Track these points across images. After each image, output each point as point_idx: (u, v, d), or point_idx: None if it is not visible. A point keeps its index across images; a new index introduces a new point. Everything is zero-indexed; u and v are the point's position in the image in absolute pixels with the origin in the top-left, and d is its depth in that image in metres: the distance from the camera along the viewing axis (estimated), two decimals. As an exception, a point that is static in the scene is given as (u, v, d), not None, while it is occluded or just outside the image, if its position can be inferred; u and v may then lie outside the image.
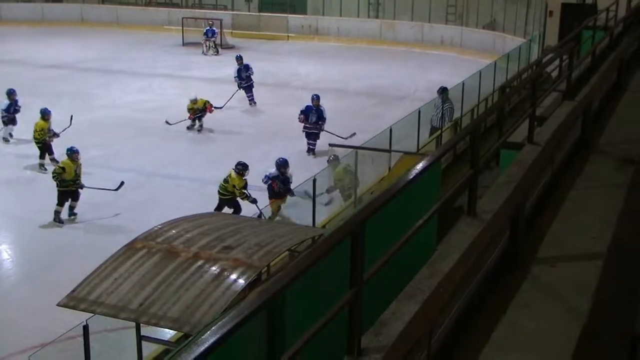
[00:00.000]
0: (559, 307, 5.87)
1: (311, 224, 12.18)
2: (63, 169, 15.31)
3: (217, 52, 34.26)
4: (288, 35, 37.87)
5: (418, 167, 5.11)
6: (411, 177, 4.95)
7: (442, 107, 17.59)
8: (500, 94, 16.34)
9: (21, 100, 20.83)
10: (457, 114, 18.23)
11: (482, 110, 17.92)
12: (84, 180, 15.73)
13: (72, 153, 15.56)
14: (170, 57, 33.37)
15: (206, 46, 34.26)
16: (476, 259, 5.46)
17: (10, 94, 20.85)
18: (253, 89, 24.83)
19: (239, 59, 25.24)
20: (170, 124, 21.63)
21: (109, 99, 25.49)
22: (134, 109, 23.77)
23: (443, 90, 18.02)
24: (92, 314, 7.82)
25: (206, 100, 21.96)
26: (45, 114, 18.46)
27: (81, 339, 8.69)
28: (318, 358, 4.35)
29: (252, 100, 24.73)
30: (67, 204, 15.47)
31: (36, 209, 15.90)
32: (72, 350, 9.15)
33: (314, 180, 12.33)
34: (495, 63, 21.92)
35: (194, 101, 21.84)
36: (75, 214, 15.64)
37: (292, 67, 30.65)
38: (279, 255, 8.13)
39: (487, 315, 5.55)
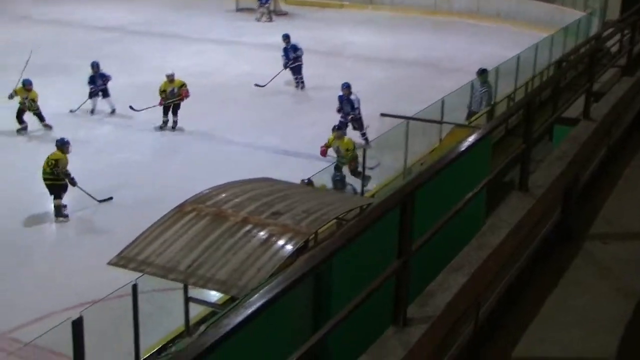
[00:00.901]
0: (609, 285, 5.79)
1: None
2: (56, 161, 14.23)
3: (271, 19, 34.17)
4: (342, 4, 37.59)
5: (469, 140, 5.06)
6: (462, 149, 4.90)
7: (481, 90, 16.92)
8: (557, 67, 16.06)
9: (71, 62, 20.77)
10: (509, 89, 17.94)
11: (537, 85, 17.60)
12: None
13: (63, 145, 14.59)
14: (223, 22, 33.36)
15: (260, 13, 34.20)
16: (527, 234, 5.41)
17: (93, 66, 20.52)
18: (302, 70, 23.19)
19: (286, 38, 23.60)
20: (135, 110, 19.71)
21: (159, 62, 25.62)
22: (185, 74, 23.77)
23: (482, 72, 17.20)
24: (141, 274, 7.96)
25: (183, 82, 19.54)
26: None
27: (130, 298, 8.86)
28: (363, 327, 4.36)
29: (300, 82, 23.15)
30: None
31: (89, 168, 16.14)
32: (121, 308, 9.32)
33: (364, 151, 12.31)
34: (553, 37, 21.51)
35: (171, 79, 19.39)
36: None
37: (345, 36, 30.42)
38: (327, 222, 8.16)
39: (536, 290, 5.50)
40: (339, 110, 17.88)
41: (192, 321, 9.26)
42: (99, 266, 8.70)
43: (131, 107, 19.57)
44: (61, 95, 21.09)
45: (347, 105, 17.82)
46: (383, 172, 15.07)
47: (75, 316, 8.13)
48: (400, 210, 4.07)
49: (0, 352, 9.56)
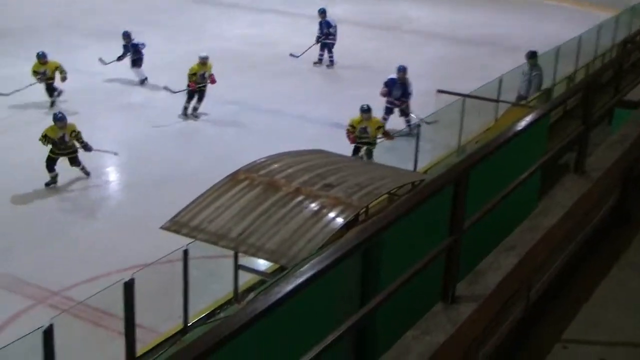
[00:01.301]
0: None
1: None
2: (45, 137, 13.87)
3: (330, -10, 33.97)
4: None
5: (527, 119, 5.01)
6: (518, 129, 4.86)
7: (531, 74, 16.15)
8: (620, 49, 15.70)
9: (129, 29, 20.63)
10: (570, 68, 17.61)
11: (598, 67, 17.23)
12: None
13: (56, 120, 14.05)
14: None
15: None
16: (582, 217, 5.35)
17: (124, 36, 20.04)
18: (333, 49, 22.30)
19: (322, 12, 22.52)
20: (172, 92, 18.36)
21: (218, 31, 25.74)
22: (243, 43, 23.93)
23: (532, 55, 16.36)
24: (192, 240, 8.07)
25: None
26: None
27: (180, 263, 9.00)
28: (410, 302, 4.37)
29: (331, 60, 22.21)
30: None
31: (145, 133, 16.36)
32: (172, 273, 9.47)
33: (418, 126, 12.24)
34: (618, 17, 21.03)
35: (203, 61, 17.77)
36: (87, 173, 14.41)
37: (402, 10, 30.13)
38: (379, 197, 8.15)
39: (591, 272, 5.42)
40: (385, 94, 16.71)
41: (240, 289, 9.37)
42: (153, 229, 8.84)
43: (166, 88, 18.43)
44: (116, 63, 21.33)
45: (399, 90, 16.62)
46: (436, 149, 14.97)
47: (127, 278, 8.29)
48: (454, 188, 4.06)
49: (53, 308, 9.78)
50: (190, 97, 17.53)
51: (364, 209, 8.30)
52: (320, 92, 19.68)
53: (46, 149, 13.82)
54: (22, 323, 9.53)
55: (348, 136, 14.61)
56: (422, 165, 13.76)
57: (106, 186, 14.58)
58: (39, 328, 7.31)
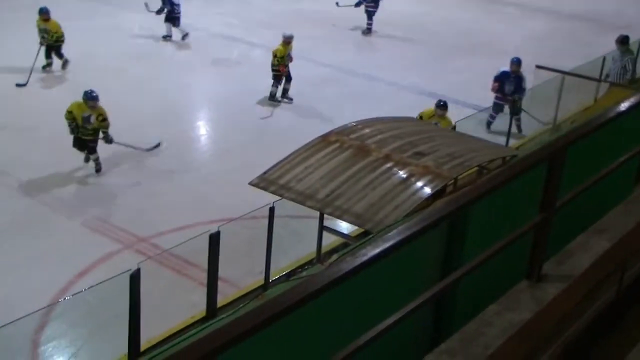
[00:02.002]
0: None
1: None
2: (70, 113, 12.48)
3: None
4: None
5: (630, 101, 4.84)
6: (621, 110, 4.71)
7: (622, 60, 15.05)
8: None
9: None
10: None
11: None
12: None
13: (87, 99, 12.51)
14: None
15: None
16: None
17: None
18: (374, 17, 21.53)
19: None
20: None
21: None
22: (340, 8, 23.78)
23: (623, 40, 15.24)
24: (279, 198, 8.14)
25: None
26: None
27: (265, 220, 9.11)
28: (494, 277, 4.33)
29: (368, 28, 21.56)
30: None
31: (239, 90, 16.53)
32: (257, 228, 9.60)
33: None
34: None
35: (288, 40, 16.31)
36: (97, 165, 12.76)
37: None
38: (469, 169, 8.06)
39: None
40: (496, 89, 14.93)
41: (323, 250, 9.44)
42: (242, 184, 8.94)
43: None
44: (222, 19, 21.54)
45: (511, 84, 14.78)
46: (531, 125, 14.67)
47: (213, 230, 8.45)
48: (548, 165, 3.98)
49: (140, 255, 10.05)
50: (278, 81, 16.22)
51: (452, 180, 8.22)
52: (414, 61, 19.46)
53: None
54: (110, 265, 9.83)
55: None
56: (514, 140, 13.54)
57: (198, 140, 14.83)
58: (126, 271, 7.53)
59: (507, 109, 14.70)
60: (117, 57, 17.95)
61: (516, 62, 14.90)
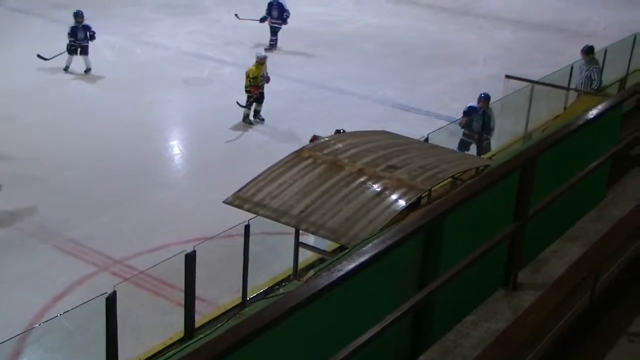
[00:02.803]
0: None
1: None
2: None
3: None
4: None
5: (598, 108, 4.91)
6: (590, 117, 4.77)
7: (588, 69, 14.91)
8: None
9: (210, 5, 20.42)
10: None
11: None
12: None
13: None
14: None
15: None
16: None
17: (77, 15, 18.22)
18: (278, 33, 21.00)
19: None
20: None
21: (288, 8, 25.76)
22: (310, 21, 23.89)
23: (588, 50, 15.09)
24: (254, 215, 8.12)
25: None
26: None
27: (240, 238, 9.08)
28: (469, 287, 4.35)
29: (272, 44, 20.81)
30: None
31: (211, 108, 16.51)
32: (232, 247, 9.57)
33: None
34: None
35: (262, 60, 16.16)
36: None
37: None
38: (442, 180, 8.08)
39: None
40: (465, 125, 14.08)
41: (299, 266, 9.42)
42: (216, 203, 8.92)
43: (238, 103, 16.05)
44: (192, 37, 21.56)
45: (479, 121, 13.96)
46: (502, 135, 14.78)
47: (188, 250, 8.41)
48: (520, 174, 4.01)
49: (116, 277, 9.99)
50: (250, 103, 16.00)
51: (427, 192, 8.25)
52: (387, 73, 19.55)
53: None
54: (85, 288, 9.76)
55: None
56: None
57: (171, 158, 14.78)
58: (102, 294, 7.47)
59: (473, 147, 14.14)
60: (85, 78, 17.90)
61: (484, 99, 14.01)
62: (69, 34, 17.90)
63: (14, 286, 9.87)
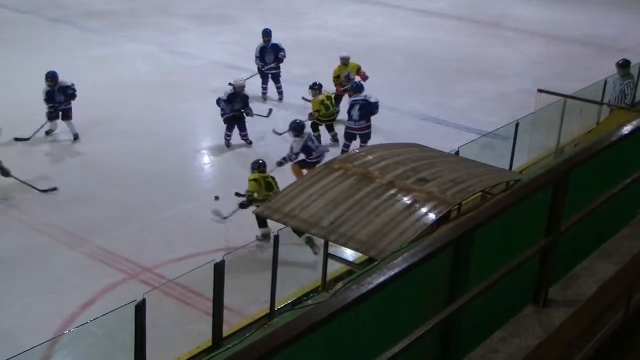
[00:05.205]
0: None
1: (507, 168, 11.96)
2: None
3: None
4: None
5: (633, 124, 4.86)
6: (624, 132, 4.72)
7: (621, 84, 14.72)
8: None
9: (229, 12, 20.14)
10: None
11: None
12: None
13: None
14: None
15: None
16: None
17: (51, 77, 14.97)
18: (280, 79, 18.15)
19: (266, 34, 18.12)
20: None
21: (318, 20, 25.86)
22: (341, 33, 23.95)
23: (623, 64, 14.88)
24: (283, 226, 8.15)
25: (358, 66, 16.42)
26: None
27: (270, 248, 9.10)
28: (498, 302, 4.31)
29: (279, 92, 18.07)
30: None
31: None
32: (260, 258, 9.60)
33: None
34: None
35: (345, 61, 16.45)
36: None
37: (504, 6, 29.60)
38: (473, 194, 8.07)
39: None
40: None
41: (327, 277, 9.42)
42: (246, 213, 8.96)
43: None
44: (222, 47, 21.67)
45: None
46: (533, 149, 14.69)
47: (217, 259, 8.44)
48: (552, 189, 3.98)
49: (144, 285, 10.03)
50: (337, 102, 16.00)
51: (457, 206, 8.23)
52: (416, 86, 19.51)
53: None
54: (113, 296, 9.82)
55: None
56: (517, 164, 13.54)
57: (201, 168, 14.84)
58: (131, 302, 7.52)
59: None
60: (111, 87, 18.03)
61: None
62: (45, 100, 14.95)
63: (43, 293, 9.96)
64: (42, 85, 14.98)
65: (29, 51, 20.38)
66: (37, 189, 12.66)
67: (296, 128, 12.97)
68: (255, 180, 11.22)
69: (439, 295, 5.08)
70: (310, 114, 15.11)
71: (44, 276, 10.36)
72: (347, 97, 15.64)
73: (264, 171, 11.46)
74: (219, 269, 8.38)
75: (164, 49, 21.40)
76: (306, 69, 19.58)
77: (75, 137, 15.15)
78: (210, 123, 16.86)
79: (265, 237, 10.88)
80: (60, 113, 15.10)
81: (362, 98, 14.45)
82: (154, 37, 22.52)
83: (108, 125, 15.68)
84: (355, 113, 14.35)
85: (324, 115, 15.18)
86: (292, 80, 17.74)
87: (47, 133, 15.23)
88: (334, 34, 23.85)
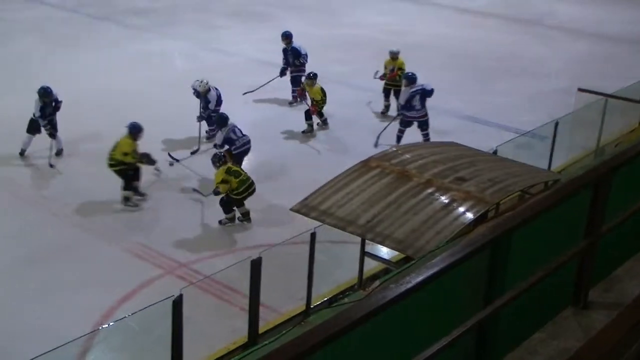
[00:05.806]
0: None
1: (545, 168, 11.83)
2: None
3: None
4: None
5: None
6: (668, 132, 4.63)
7: None
8: None
9: (264, 9, 20.21)
10: None
11: None
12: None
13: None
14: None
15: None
16: None
17: (44, 93, 13.72)
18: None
19: (287, 37, 17.99)
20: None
21: (354, 17, 25.79)
22: (378, 30, 23.84)
23: None
24: (320, 224, 8.13)
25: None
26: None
27: (306, 246, 9.09)
28: (537, 304, 4.26)
29: (294, 97, 17.44)
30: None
31: (278, 114, 16.60)
32: (297, 254, 9.59)
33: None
34: None
35: (394, 56, 17.08)
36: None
37: (547, 4, 29.26)
38: (511, 194, 7.99)
39: None
40: None
41: (364, 276, 9.40)
42: (282, 210, 8.96)
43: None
44: (260, 45, 21.74)
45: None
46: (573, 149, 14.51)
47: (254, 256, 8.46)
48: (593, 190, 3.93)
49: (181, 280, 10.09)
50: (386, 95, 16.99)
51: (494, 206, 8.15)
52: (456, 84, 19.34)
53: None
54: (151, 290, 9.89)
55: None
56: (556, 164, 13.39)
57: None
58: (169, 297, 7.56)
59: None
60: (145, 85, 18.14)
61: None
62: (40, 117, 13.79)
63: (82, 287, 10.06)
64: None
65: (72, 48, 20.63)
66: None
67: (218, 121, 13.48)
68: (225, 182, 11.56)
69: (476, 296, 5.03)
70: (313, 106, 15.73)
71: (82, 271, 10.47)
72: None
73: (225, 162, 11.81)
74: (256, 266, 8.40)
75: (202, 46, 21.54)
76: (344, 66, 19.56)
77: (59, 153, 14.05)
78: (245, 121, 16.84)
79: (245, 216, 11.81)
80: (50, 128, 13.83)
81: (420, 87, 14.93)
82: (193, 34, 22.71)
83: (145, 122, 15.77)
84: (417, 103, 14.86)
85: (321, 102, 15.81)
86: (330, 78, 17.69)
87: (57, 153, 14.02)
88: (371, 31, 23.74)
